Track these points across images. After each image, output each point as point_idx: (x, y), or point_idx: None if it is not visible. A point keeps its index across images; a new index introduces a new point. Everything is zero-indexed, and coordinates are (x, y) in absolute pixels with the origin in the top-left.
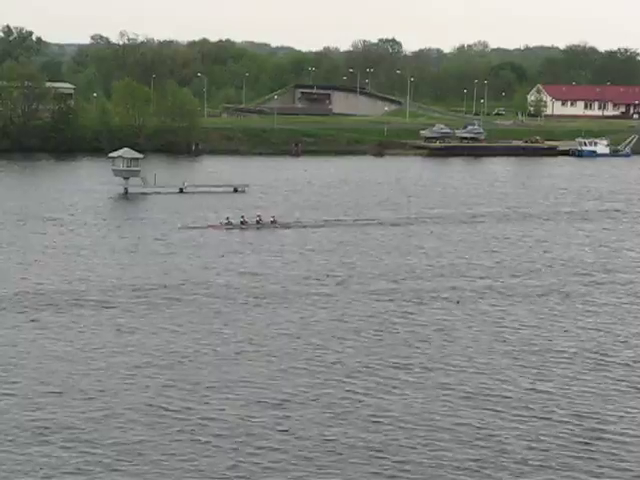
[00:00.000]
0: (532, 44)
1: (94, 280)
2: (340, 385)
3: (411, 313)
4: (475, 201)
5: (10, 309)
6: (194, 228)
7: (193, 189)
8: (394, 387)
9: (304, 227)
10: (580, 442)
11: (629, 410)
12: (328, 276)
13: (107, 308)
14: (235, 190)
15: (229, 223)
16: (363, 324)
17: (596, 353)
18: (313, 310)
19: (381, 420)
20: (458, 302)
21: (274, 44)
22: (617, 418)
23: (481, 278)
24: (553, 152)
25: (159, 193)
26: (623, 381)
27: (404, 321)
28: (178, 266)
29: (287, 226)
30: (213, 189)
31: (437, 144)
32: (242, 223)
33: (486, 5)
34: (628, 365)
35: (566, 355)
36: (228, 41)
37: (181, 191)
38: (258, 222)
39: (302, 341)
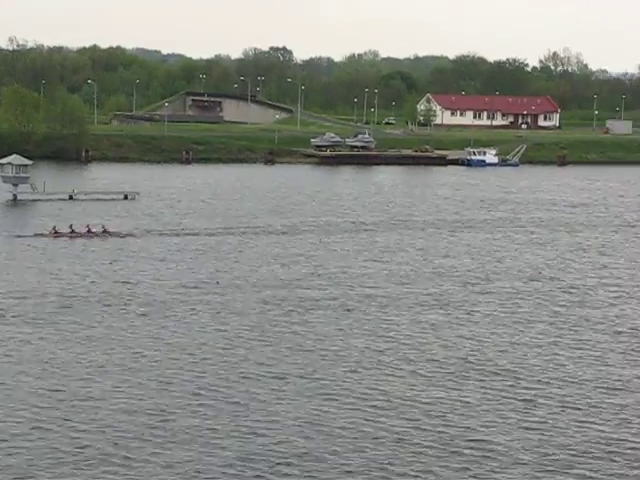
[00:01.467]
0: (422, 54)
1: None
2: (218, 396)
3: (291, 322)
4: (361, 210)
5: None
6: (23, 237)
7: (83, 196)
8: (275, 397)
9: (135, 237)
10: (447, 449)
11: (498, 420)
12: (218, 283)
13: None
14: (125, 197)
15: (57, 232)
16: (228, 335)
17: (471, 362)
18: (174, 320)
19: (261, 430)
20: (348, 310)
21: (165, 51)
22: (485, 427)
23: (361, 287)
24: (442, 161)
25: (48, 200)
26: (496, 390)
27: (283, 330)
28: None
29: (119, 235)
30: (103, 196)
31: (327, 152)
32: (72, 232)
33: (377, 14)
34: (498, 374)
35: (443, 364)
36: (119, 48)
37: (71, 198)
38: (88, 232)
39: (173, 353)
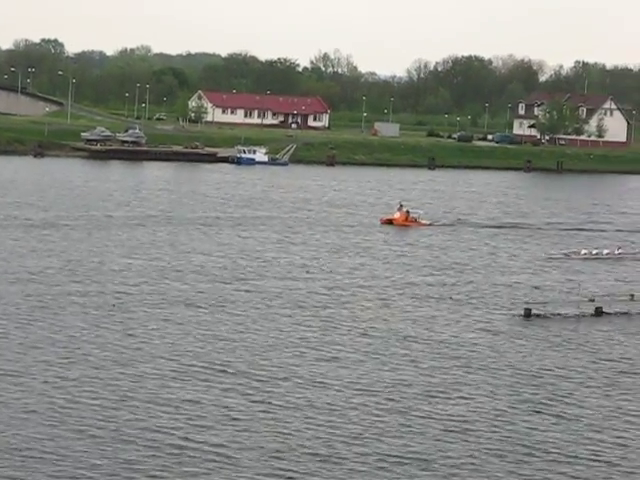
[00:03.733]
0: (194, 50)
1: None
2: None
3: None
4: (118, 205)
5: None
6: None
7: None
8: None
9: None
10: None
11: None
12: None
13: None
14: None
15: None
16: None
17: (216, 365)
18: None
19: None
20: (114, 305)
21: None
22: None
23: (115, 283)
24: (213, 158)
25: None
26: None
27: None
28: None
29: None
30: None
31: (98, 147)
32: None
33: (150, 10)
34: (241, 374)
35: (182, 366)
36: None
37: None
38: None
39: None
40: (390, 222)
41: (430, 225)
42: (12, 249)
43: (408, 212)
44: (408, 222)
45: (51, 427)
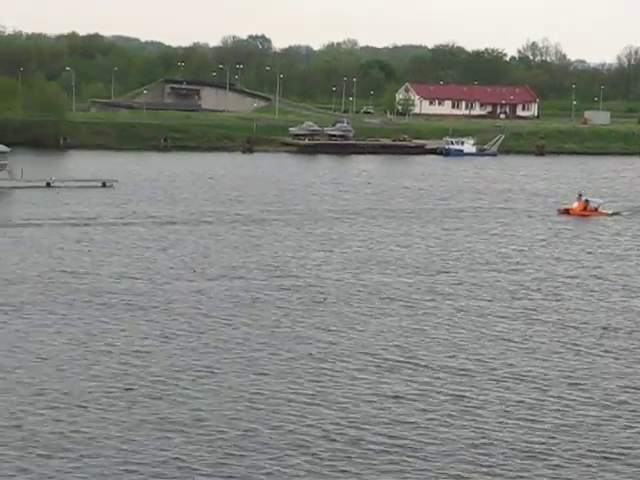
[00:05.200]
0: (400, 43)
1: None
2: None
3: (262, 310)
4: (323, 199)
5: None
6: None
7: (60, 183)
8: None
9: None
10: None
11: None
12: (195, 271)
13: None
14: (103, 185)
15: None
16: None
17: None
18: None
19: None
20: (325, 299)
21: (143, 39)
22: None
23: (325, 275)
24: (421, 150)
25: (26, 187)
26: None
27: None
28: None
29: None
30: (81, 183)
31: (306, 141)
32: None
33: (356, 3)
34: (441, 368)
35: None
36: (97, 35)
37: (48, 185)
38: None
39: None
40: (567, 212)
41: (614, 215)
42: (220, 244)
43: (587, 201)
44: (587, 212)
45: (251, 421)
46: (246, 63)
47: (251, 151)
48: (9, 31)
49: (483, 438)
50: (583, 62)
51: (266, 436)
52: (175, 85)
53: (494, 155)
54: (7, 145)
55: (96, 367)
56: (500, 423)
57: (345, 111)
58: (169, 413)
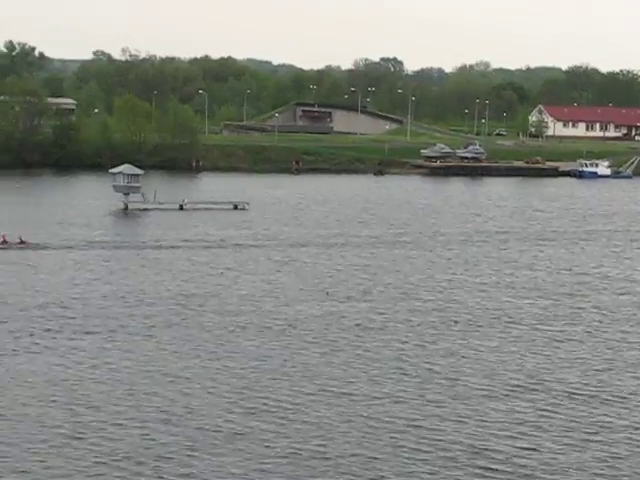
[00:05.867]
0: (534, 65)
1: None
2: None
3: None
4: (464, 222)
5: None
6: None
7: (193, 206)
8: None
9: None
10: None
11: None
12: (328, 293)
13: None
14: (235, 207)
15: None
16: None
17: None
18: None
19: None
20: (456, 322)
21: (275, 62)
22: None
23: (472, 299)
24: (554, 173)
25: (159, 209)
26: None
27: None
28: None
29: (35, 247)
30: (213, 206)
31: (437, 163)
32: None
33: (488, 25)
34: (578, 395)
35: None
36: (230, 58)
37: (181, 208)
38: (3, 242)
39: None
40: None
41: None
42: (350, 266)
43: None
44: None
45: (363, 441)
46: (378, 85)
47: (382, 174)
48: (143, 55)
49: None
50: None
51: (398, 457)
52: (307, 108)
53: (629, 177)
54: (141, 168)
55: (223, 386)
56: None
57: (477, 133)
58: (302, 440)
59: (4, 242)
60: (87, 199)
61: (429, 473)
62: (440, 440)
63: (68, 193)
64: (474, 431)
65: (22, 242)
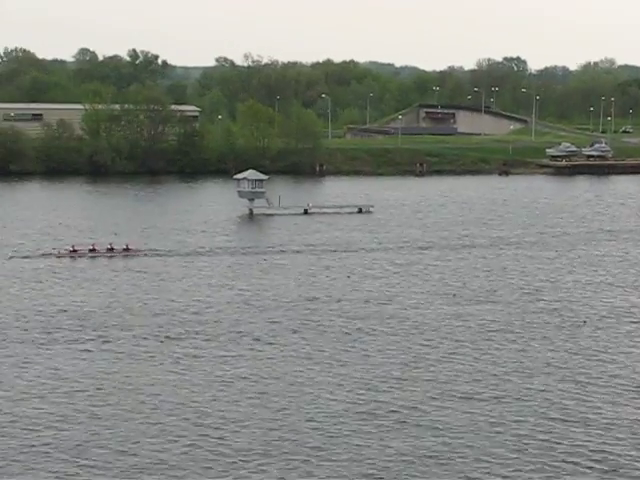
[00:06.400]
0: None
1: None
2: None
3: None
4: (591, 221)
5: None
6: (27, 257)
7: (317, 210)
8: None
9: (160, 255)
10: None
11: None
12: (455, 295)
13: None
14: (360, 210)
15: (74, 251)
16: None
17: None
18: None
19: None
20: (585, 322)
21: (398, 64)
22: None
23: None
24: None
25: (284, 214)
26: None
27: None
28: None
29: (140, 254)
30: (338, 210)
31: (563, 162)
32: (91, 251)
33: (613, 21)
34: None
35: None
36: (352, 62)
37: (305, 212)
38: (109, 249)
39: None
40: None
41: None
42: (475, 267)
43: None
44: None
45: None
46: (501, 85)
47: (507, 174)
48: (265, 61)
49: None
50: None
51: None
52: (430, 109)
53: None
54: (265, 173)
55: (345, 393)
56: None
57: (603, 131)
58: (419, 441)
59: (111, 249)
60: (212, 205)
61: (555, 478)
62: (565, 444)
63: (193, 200)
64: (597, 435)
65: (128, 249)
